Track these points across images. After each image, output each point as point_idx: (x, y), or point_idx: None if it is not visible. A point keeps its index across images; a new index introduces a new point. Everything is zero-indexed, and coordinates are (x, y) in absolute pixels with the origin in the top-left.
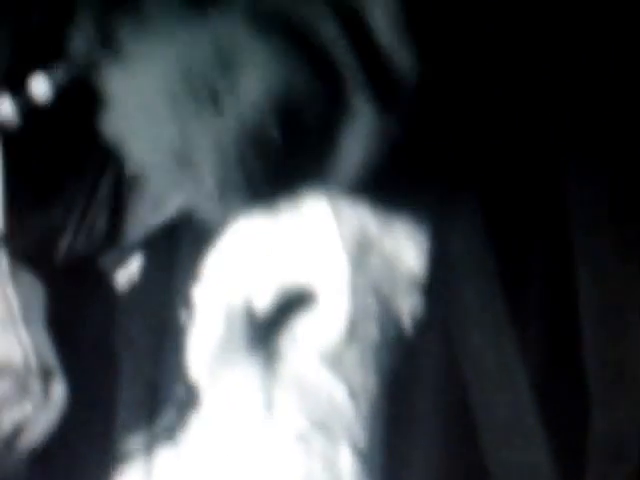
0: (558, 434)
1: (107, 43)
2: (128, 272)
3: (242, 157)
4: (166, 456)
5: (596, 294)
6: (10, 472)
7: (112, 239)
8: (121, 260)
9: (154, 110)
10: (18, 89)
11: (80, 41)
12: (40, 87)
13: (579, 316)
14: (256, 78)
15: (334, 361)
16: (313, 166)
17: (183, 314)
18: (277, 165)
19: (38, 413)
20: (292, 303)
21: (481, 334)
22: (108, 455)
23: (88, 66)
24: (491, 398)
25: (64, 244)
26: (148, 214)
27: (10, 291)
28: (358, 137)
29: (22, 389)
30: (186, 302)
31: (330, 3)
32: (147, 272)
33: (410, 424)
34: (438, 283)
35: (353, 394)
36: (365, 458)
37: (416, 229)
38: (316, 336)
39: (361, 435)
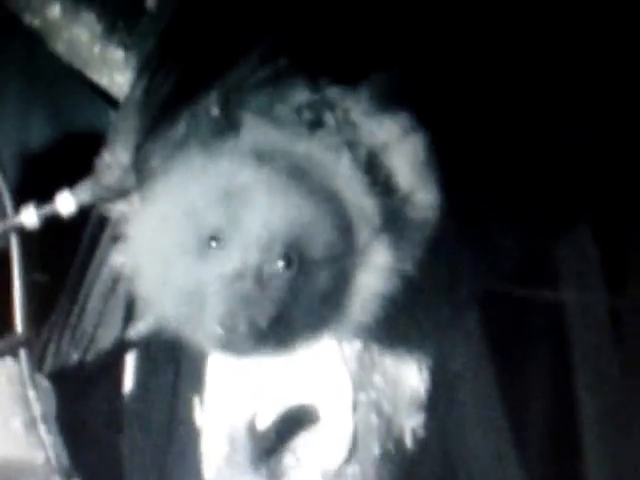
0: None
1: (139, 176)
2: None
3: (246, 295)
4: None
5: (595, 407)
6: None
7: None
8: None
9: (162, 248)
10: (44, 200)
11: (113, 167)
12: (65, 203)
13: (579, 427)
14: (260, 214)
15: (336, 479)
16: (323, 309)
17: (190, 424)
18: (284, 307)
19: None
20: (295, 422)
21: (481, 448)
22: None
23: (115, 191)
24: None
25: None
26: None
27: (32, 394)
28: (371, 277)
29: None
30: (190, 416)
31: (347, 142)
32: (151, 383)
33: None
34: (438, 399)
35: None
36: None
37: (418, 348)
38: (319, 455)
39: None
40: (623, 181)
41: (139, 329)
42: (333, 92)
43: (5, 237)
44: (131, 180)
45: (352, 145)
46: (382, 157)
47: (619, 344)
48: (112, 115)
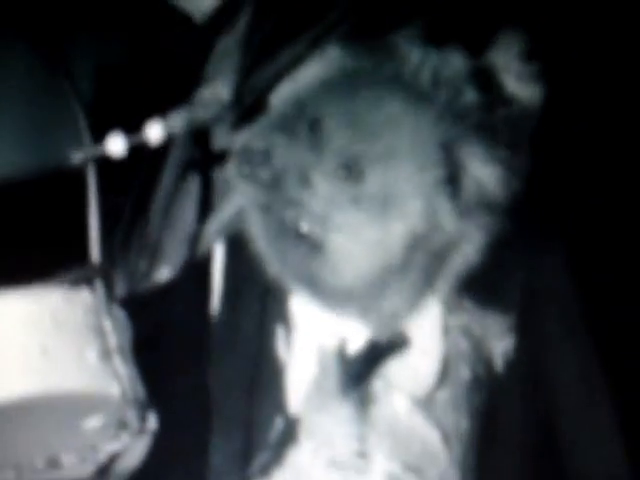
0: None
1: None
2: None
3: None
4: None
5: None
6: None
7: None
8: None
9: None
10: (133, 129)
11: (212, 102)
12: (156, 132)
13: None
14: None
15: (427, 404)
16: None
17: (277, 354)
18: None
19: (134, 444)
20: (385, 347)
21: (567, 369)
22: None
23: (209, 122)
24: (578, 436)
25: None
26: None
27: (107, 325)
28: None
29: (120, 421)
30: (277, 346)
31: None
32: (237, 312)
33: (498, 463)
34: (527, 320)
35: (446, 438)
36: None
37: (507, 269)
38: (409, 380)
39: (455, 478)
40: None
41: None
42: None
43: (84, 164)
44: (230, 115)
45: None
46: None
47: None
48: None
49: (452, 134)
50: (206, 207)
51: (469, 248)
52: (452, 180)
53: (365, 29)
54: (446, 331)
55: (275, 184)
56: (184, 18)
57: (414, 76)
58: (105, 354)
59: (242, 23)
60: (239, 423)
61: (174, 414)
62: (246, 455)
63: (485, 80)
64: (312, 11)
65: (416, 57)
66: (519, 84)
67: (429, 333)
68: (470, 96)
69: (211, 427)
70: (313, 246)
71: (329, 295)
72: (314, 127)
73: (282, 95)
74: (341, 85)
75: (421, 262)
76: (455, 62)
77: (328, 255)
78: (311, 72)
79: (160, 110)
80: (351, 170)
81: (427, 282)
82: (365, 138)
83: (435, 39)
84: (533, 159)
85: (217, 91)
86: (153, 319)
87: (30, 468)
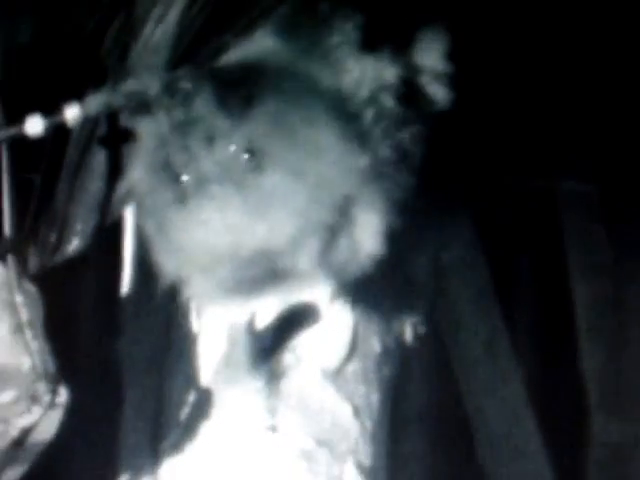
0: (556, 442)
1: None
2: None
3: None
4: (171, 473)
5: (589, 295)
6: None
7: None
8: None
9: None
10: (52, 111)
11: (137, 91)
12: (73, 114)
13: (575, 325)
14: None
15: (337, 378)
16: None
17: (188, 326)
18: None
19: (46, 417)
20: (295, 320)
21: (475, 342)
22: (111, 472)
23: (129, 109)
24: (486, 408)
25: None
26: None
27: (18, 300)
28: None
29: (31, 395)
30: (188, 318)
31: None
32: (148, 286)
33: (406, 430)
34: (435, 291)
35: (357, 411)
36: (370, 475)
37: (415, 241)
38: (320, 353)
39: (366, 452)
40: None
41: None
42: None
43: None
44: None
45: None
46: None
47: (611, 232)
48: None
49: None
50: (113, 178)
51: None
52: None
53: (299, 21)
54: (357, 306)
55: (182, 127)
56: None
57: (352, 91)
58: (16, 328)
59: (171, 16)
60: (150, 396)
61: (85, 387)
62: (158, 429)
63: (410, 91)
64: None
65: (356, 69)
66: (436, 86)
67: (339, 305)
68: (394, 113)
69: (122, 400)
70: (180, 196)
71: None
72: (245, 101)
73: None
74: (275, 72)
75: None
76: (389, 73)
77: (188, 211)
78: (246, 51)
79: (71, 90)
80: (252, 157)
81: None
82: (280, 134)
83: (368, 42)
84: (440, 135)
85: (144, 84)
86: (65, 292)
87: None
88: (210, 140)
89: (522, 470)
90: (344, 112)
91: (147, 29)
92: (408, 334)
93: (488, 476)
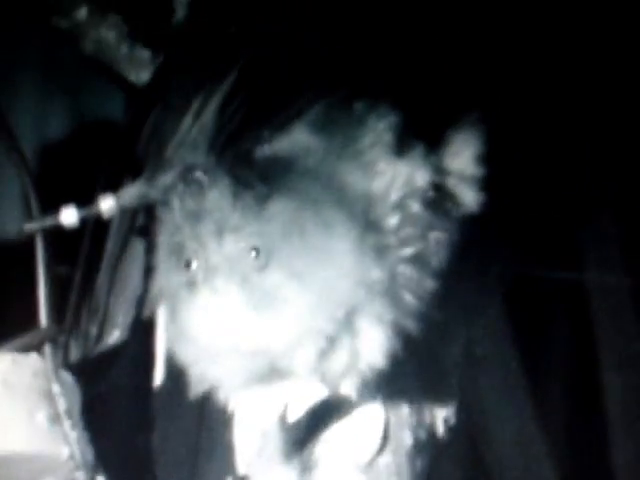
0: None
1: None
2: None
3: None
4: None
5: (622, 387)
6: None
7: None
8: None
9: None
10: (86, 202)
11: (168, 184)
12: (108, 206)
13: (607, 418)
14: None
15: (369, 471)
16: None
17: (219, 422)
18: None
19: None
20: (326, 413)
21: (505, 434)
22: None
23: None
24: None
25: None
26: None
27: (56, 389)
28: None
29: None
30: (221, 409)
31: None
32: (181, 376)
33: None
34: (466, 386)
35: None
36: None
37: (446, 335)
38: (352, 446)
39: None
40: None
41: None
42: None
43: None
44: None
45: None
46: None
47: None
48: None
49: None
50: (150, 271)
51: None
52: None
53: (334, 119)
54: (388, 399)
55: (194, 216)
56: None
57: (381, 196)
58: (54, 417)
59: (208, 111)
60: None
61: (115, 468)
62: None
63: (438, 195)
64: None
65: (388, 172)
66: (465, 189)
67: (372, 400)
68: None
69: None
70: (190, 283)
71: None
72: (260, 200)
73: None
74: (300, 172)
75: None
76: (420, 177)
77: (195, 299)
78: (279, 147)
79: (108, 182)
80: (258, 256)
81: None
82: (291, 237)
83: (400, 144)
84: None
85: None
86: (103, 383)
87: None
88: (220, 233)
89: None
90: (366, 219)
91: (184, 123)
92: (439, 426)
93: None
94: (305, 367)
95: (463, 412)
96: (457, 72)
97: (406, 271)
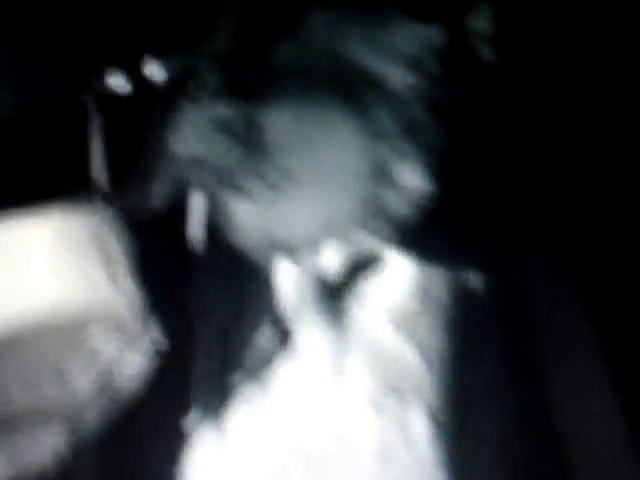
0: None
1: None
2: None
3: None
4: (238, 417)
5: None
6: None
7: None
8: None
9: None
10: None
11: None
12: (154, 70)
13: None
14: None
15: (405, 323)
16: None
17: (258, 274)
18: None
19: (135, 358)
20: (360, 266)
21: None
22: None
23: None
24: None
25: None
26: None
27: (112, 245)
28: None
29: (129, 336)
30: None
31: None
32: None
33: (474, 373)
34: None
35: (425, 356)
36: (438, 421)
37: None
38: (384, 299)
39: (434, 398)
40: None
41: None
42: None
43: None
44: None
45: None
46: None
47: None
48: None
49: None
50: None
51: None
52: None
53: None
54: (424, 253)
55: None
56: None
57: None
58: (112, 272)
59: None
60: (219, 338)
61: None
62: (227, 368)
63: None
64: None
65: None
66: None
67: (401, 252)
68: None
69: (193, 342)
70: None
71: None
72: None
73: None
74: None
75: None
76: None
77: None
78: None
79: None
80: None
81: None
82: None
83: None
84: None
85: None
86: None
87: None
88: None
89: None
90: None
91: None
92: (474, 280)
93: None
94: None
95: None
96: None
97: (425, 119)
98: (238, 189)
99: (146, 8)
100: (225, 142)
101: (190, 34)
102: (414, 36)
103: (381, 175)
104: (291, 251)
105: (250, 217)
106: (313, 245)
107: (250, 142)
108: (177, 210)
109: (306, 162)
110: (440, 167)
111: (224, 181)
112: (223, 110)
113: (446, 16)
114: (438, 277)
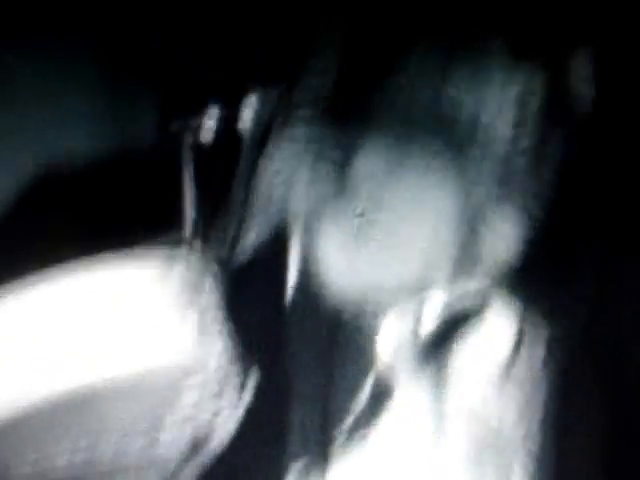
0: None
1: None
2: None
3: None
4: (337, 474)
5: None
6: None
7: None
8: None
9: None
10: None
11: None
12: (250, 107)
13: None
14: None
15: (503, 380)
16: None
17: (352, 327)
18: None
19: (230, 415)
20: (460, 317)
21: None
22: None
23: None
24: None
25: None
26: None
27: (205, 296)
28: None
29: (218, 391)
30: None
31: None
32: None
33: (573, 431)
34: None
35: (523, 414)
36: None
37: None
38: (484, 356)
39: (532, 457)
40: None
41: None
42: None
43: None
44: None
45: None
46: None
47: None
48: None
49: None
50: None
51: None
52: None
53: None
54: (520, 309)
55: None
56: None
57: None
58: (203, 323)
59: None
60: (318, 391)
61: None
62: (326, 420)
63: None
64: None
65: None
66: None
67: (504, 310)
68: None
69: (290, 395)
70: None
71: None
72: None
73: None
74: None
75: None
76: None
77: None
78: None
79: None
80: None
81: None
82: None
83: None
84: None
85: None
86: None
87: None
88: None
89: None
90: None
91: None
92: (574, 334)
93: None
94: (439, 281)
95: (598, 324)
96: None
97: (523, 164)
98: (331, 229)
99: (242, 41)
100: (319, 180)
101: (287, 69)
102: (515, 81)
103: (478, 221)
104: (387, 301)
105: (344, 264)
106: (410, 294)
107: (344, 181)
108: (270, 257)
109: (401, 205)
110: (538, 212)
111: (317, 220)
112: (317, 147)
113: (548, 58)
114: (538, 327)
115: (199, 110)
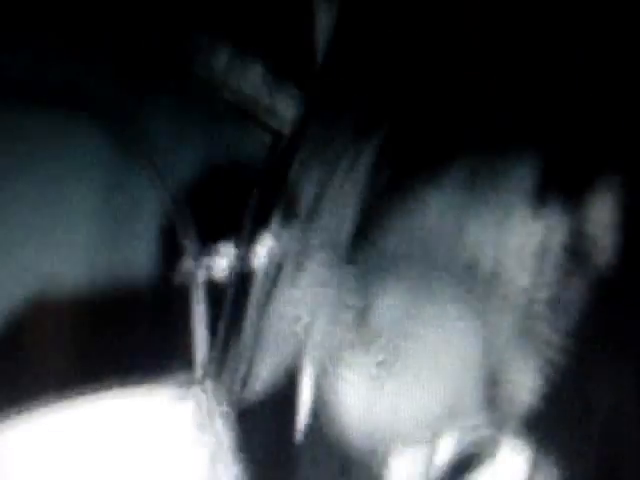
0: None
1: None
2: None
3: None
4: None
5: None
6: None
7: None
8: None
9: None
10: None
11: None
12: (262, 245)
13: None
14: None
15: None
16: None
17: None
18: None
19: None
20: (471, 467)
21: None
22: None
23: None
24: None
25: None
26: None
27: (219, 427)
28: None
29: None
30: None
31: None
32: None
33: None
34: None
35: None
36: None
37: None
38: None
39: None
40: None
41: None
42: None
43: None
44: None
45: None
46: None
47: None
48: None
49: None
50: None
51: None
52: None
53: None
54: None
55: None
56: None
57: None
58: (217, 453)
59: (359, 168)
60: None
61: None
62: None
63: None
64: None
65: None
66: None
67: (514, 448)
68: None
69: None
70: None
71: None
72: None
73: None
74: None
75: None
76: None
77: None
78: None
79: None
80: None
81: None
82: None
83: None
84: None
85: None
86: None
87: None
88: None
89: None
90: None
91: (336, 178)
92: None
93: None
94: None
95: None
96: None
97: (543, 313)
98: (350, 374)
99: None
100: (334, 318)
101: (301, 207)
102: (534, 228)
103: (497, 370)
104: (401, 441)
105: (360, 407)
106: (423, 436)
107: (360, 320)
108: (282, 394)
109: (420, 353)
110: (557, 362)
111: (331, 359)
112: (332, 287)
113: (567, 204)
114: (549, 473)
115: (212, 248)
